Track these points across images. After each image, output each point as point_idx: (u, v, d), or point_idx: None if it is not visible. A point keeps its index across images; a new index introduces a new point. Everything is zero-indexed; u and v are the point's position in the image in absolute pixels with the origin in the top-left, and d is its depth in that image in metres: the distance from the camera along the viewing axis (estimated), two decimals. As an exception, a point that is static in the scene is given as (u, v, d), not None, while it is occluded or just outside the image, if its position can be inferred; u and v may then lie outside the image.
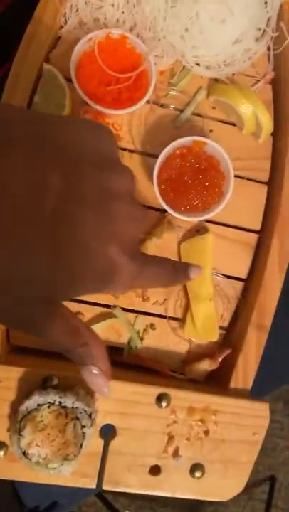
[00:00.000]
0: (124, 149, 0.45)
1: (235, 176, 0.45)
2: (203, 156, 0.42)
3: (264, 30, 0.45)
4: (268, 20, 0.45)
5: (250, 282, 0.45)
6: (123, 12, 0.43)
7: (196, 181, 0.42)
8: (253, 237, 0.46)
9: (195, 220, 0.43)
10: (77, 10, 0.43)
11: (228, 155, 0.42)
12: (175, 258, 0.45)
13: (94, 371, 0.25)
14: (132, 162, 0.45)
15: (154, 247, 0.43)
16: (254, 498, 1.20)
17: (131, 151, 0.45)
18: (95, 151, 0.24)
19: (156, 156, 0.42)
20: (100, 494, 0.97)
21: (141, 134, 0.45)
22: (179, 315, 0.44)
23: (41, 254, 0.22)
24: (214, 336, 0.43)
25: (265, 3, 0.44)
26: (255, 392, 0.42)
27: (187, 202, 0.42)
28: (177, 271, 0.30)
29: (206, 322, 0.43)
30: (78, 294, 0.24)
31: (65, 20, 0.44)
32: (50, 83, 0.42)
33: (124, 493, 1.12)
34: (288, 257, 0.44)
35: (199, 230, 0.45)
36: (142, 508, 1.13)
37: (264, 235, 0.46)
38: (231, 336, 0.45)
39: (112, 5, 0.42)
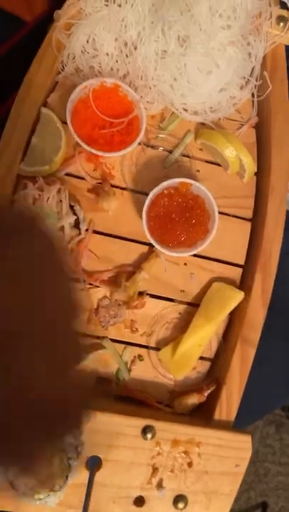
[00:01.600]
0: (116, 187, 0.47)
1: (221, 213, 0.47)
2: (189, 196, 0.45)
3: (248, 79, 0.48)
4: (252, 70, 0.48)
5: (235, 315, 0.47)
6: (117, 61, 0.46)
7: (182, 219, 0.44)
8: (237, 271, 0.48)
9: (181, 255, 0.45)
10: (73, 58, 0.46)
11: (213, 194, 0.44)
12: (165, 290, 0.47)
13: None
14: (123, 199, 0.47)
15: (143, 279, 0.45)
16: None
17: (122, 189, 0.47)
18: None
19: (146, 194, 0.45)
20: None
21: (132, 173, 0.48)
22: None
23: None
24: (179, 375, 0.45)
25: (249, 54, 0.47)
26: (241, 419, 0.44)
27: (174, 238, 0.44)
28: None
29: (183, 359, 0.44)
30: None
31: (63, 66, 0.47)
32: (47, 126, 0.44)
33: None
34: (270, 292, 0.47)
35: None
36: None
37: (247, 269, 0.48)
38: (217, 367, 0.47)
39: (107, 54, 0.46)
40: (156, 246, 0.44)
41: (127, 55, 0.45)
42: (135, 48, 0.45)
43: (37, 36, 0.47)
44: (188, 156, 0.49)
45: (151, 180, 0.47)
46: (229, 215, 0.49)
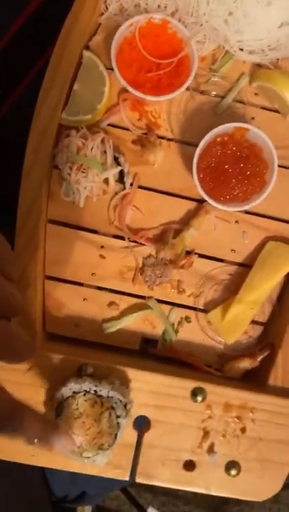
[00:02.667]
0: (163, 137, 0.44)
1: (279, 166, 0.43)
2: (245, 144, 0.41)
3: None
4: None
5: (291, 277, 0.43)
6: (165, -4, 0.42)
7: (236, 170, 0.40)
8: (295, 230, 0.44)
9: (234, 209, 0.42)
10: (118, -4, 0.42)
11: (272, 142, 0.40)
12: (214, 250, 0.43)
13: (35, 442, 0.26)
14: (170, 150, 0.44)
15: (191, 237, 0.42)
16: (280, 501, 1.17)
17: (169, 140, 0.44)
18: None
19: (195, 145, 0.41)
20: (124, 488, 0.97)
21: (180, 121, 0.44)
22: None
23: None
24: (231, 338, 0.42)
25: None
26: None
27: (227, 191, 0.41)
28: None
29: (234, 322, 0.41)
30: None
31: (106, 6, 0.43)
32: (90, 70, 0.41)
33: (147, 489, 1.11)
34: None
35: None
36: (164, 504, 1.13)
37: (307, 227, 0.44)
38: (270, 332, 0.44)
39: (154, -13, 0.41)
40: (208, 200, 0.40)
41: (176, -11, 0.41)
42: (186, -20, 0.40)
43: None
44: (242, 102, 0.44)
45: (201, 130, 0.43)
46: (287, 167, 0.44)
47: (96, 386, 0.35)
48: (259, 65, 0.44)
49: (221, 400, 0.38)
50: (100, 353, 0.41)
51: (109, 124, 0.43)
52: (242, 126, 0.40)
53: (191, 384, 0.38)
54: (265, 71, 0.43)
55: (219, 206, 0.41)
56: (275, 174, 0.40)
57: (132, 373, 0.38)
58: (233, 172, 0.40)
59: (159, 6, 0.42)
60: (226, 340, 0.42)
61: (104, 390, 0.35)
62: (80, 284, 0.43)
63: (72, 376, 0.37)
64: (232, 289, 0.44)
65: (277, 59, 0.44)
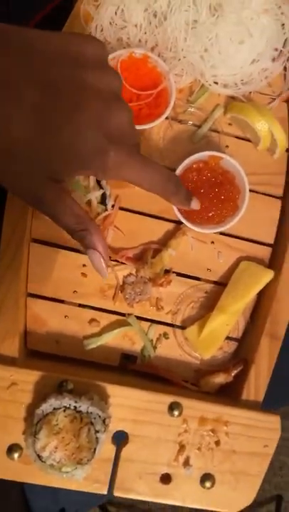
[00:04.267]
0: (143, 162, 0.46)
1: (250, 190, 0.46)
2: (219, 171, 0.43)
3: (281, 51, 0.46)
4: (285, 41, 0.46)
5: (265, 293, 0.46)
6: (145, 32, 0.45)
7: (211, 194, 0.43)
8: (267, 250, 0.47)
9: (209, 231, 0.44)
10: (101, 30, 0.45)
11: (244, 170, 0.43)
12: (191, 269, 0.46)
13: (96, 253, 0.31)
14: (150, 175, 0.46)
15: (169, 257, 0.44)
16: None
17: (149, 164, 0.46)
18: (79, 53, 0.28)
19: (174, 170, 0.43)
20: (104, 506, 0.96)
21: (159, 148, 0.47)
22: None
23: (35, 137, 0.27)
24: (206, 354, 0.44)
25: (283, 25, 0.45)
26: (265, 408, 0.43)
27: (202, 214, 0.43)
28: (177, 188, 0.36)
29: (210, 339, 0.43)
30: (72, 173, 0.30)
31: (90, 39, 0.46)
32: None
33: (126, 506, 1.10)
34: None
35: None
36: (144, 521, 1.12)
37: (277, 248, 0.47)
38: (244, 347, 0.46)
39: (135, 25, 0.44)
40: (184, 222, 0.43)
41: (156, 26, 0.44)
42: (165, 19, 0.43)
43: (66, 7, 0.46)
44: (217, 131, 0.47)
45: (178, 156, 0.45)
46: (259, 192, 0.47)
47: (76, 402, 0.36)
48: (233, 97, 0.47)
49: (197, 414, 0.40)
50: (80, 369, 0.42)
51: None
52: (216, 155, 0.42)
53: (168, 399, 0.40)
54: (237, 103, 0.46)
55: (195, 228, 0.43)
56: (247, 199, 0.43)
57: (111, 389, 0.39)
58: (207, 196, 0.43)
59: (140, 41, 0.45)
60: (202, 356, 0.44)
61: (83, 406, 0.36)
62: (62, 302, 0.45)
63: (52, 392, 0.38)
64: (208, 306, 0.46)
65: (250, 92, 0.47)
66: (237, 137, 0.48)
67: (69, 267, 0.44)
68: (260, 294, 0.46)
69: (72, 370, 0.41)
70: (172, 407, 0.39)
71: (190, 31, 0.43)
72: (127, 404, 0.39)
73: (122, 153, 0.29)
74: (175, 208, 0.43)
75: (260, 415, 0.40)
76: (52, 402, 0.36)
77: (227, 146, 0.47)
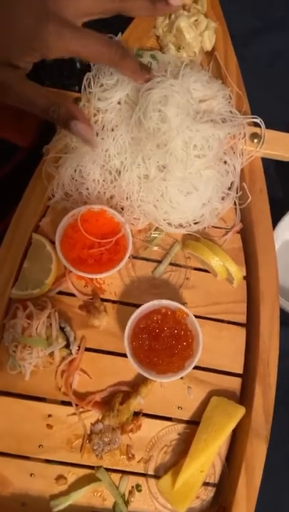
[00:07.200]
0: (108, 300, 0.48)
1: (215, 320, 0.47)
2: (182, 326, 0.44)
3: (228, 191, 0.51)
4: (231, 184, 0.51)
5: (238, 429, 0.44)
6: (103, 185, 0.49)
7: (169, 343, 0.43)
8: (237, 382, 0.46)
9: (171, 379, 0.43)
10: (63, 185, 0.49)
11: (204, 301, 0.45)
12: (161, 408, 0.44)
13: (77, 122, 0.33)
14: (115, 312, 0.47)
15: (138, 405, 0.43)
16: None
17: (114, 302, 0.48)
18: None
19: (138, 305, 0.44)
20: None
21: (122, 285, 0.48)
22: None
23: None
24: (181, 508, 0.41)
25: (227, 171, 0.50)
26: None
27: (162, 362, 0.43)
28: (123, 52, 0.37)
29: (184, 489, 0.41)
30: (23, 55, 0.33)
31: (53, 193, 0.50)
32: (39, 250, 0.47)
33: None
34: (272, 404, 0.44)
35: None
36: None
37: (247, 379, 0.46)
38: (222, 493, 0.43)
39: (94, 180, 0.49)
40: (142, 372, 0.42)
41: (112, 181, 0.49)
42: (119, 174, 0.48)
43: (30, 159, 0.52)
44: (177, 265, 0.50)
45: (142, 291, 0.47)
46: (223, 321, 0.48)
47: None
48: (189, 234, 0.51)
49: None
50: None
51: (57, 292, 0.47)
52: (184, 311, 0.44)
53: None
54: (192, 242, 0.49)
55: (156, 379, 0.42)
56: (200, 349, 0.43)
57: None
58: (166, 343, 0.43)
59: (98, 192, 0.50)
60: (177, 510, 0.41)
61: None
62: (27, 458, 0.42)
63: None
64: (181, 449, 0.44)
65: (204, 227, 0.51)
66: (196, 269, 0.50)
67: (34, 419, 0.43)
68: (234, 431, 0.44)
69: None
70: None
71: (142, 184, 0.48)
72: None
73: (63, 30, 0.32)
74: (134, 364, 0.42)
75: None
76: None
77: (188, 278, 0.50)
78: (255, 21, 0.69)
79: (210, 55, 0.55)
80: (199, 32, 0.51)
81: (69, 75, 0.53)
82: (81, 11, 0.34)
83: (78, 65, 0.53)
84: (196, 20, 0.51)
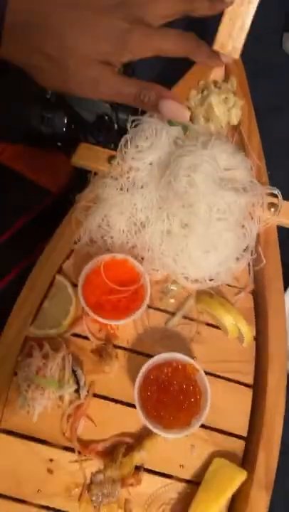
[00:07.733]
0: (120, 347, 0.49)
1: (222, 377, 0.48)
2: (191, 382, 0.44)
3: (244, 253, 0.54)
4: (247, 247, 0.54)
5: (238, 493, 0.43)
6: (127, 235, 0.52)
7: (177, 398, 0.43)
8: (240, 444, 0.46)
9: (177, 436, 0.43)
10: (89, 232, 0.52)
11: (212, 357, 0.46)
12: (163, 465, 0.44)
13: (168, 100, 0.35)
14: (126, 360, 0.48)
15: (140, 459, 0.43)
16: None
17: (125, 349, 0.49)
18: None
19: (150, 356, 0.45)
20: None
21: (135, 334, 0.50)
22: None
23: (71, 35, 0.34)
24: None
25: (244, 234, 0.53)
26: None
27: (169, 416, 0.43)
28: (198, 42, 0.40)
29: None
30: (125, 53, 0.36)
31: (79, 238, 0.53)
32: (60, 292, 0.49)
33: None
34: (273, 471, 0.44)
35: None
36: None
37: (250, 442, 0.46)
38: None
39: (119, 230, 0.52)
40: (148, 425, 0.42)
41: (136, 232, 0.52)
42: (144, 227, 0.51)
43: (60, 203, 0.55)
44: (189, 318, 0.51)
45: (153, 342, 0.49)
46: (230, 379, 0.49)
47: None
48: (203, 290, 0.53)
49: None
50: None
51: (71, 334, 0.49)
52: (196, 367, 0.45)
53: None
54: (206, 298, 0.51)
55: (163, 434, 0.42)
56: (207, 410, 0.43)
57: None
58: (173, 397, 0.43)
59: (122, 242, 0.53)
60: None
61: None
62: (23, 502, 0.42)
63: None
64: (180, 508, 0.43)
65: (218, 285, 0.53)
66: (208, 324, 0.52)
67: (35, 462, 0.43)
68: (234, 495, 0.43)
69: None
70: None
71: (165, 238, 0.51)
72: None
73: (145, 28, 0.36)
74: (142, 416, 0.42)
75: None
76: None
77: (198, 333, 0.51)
78: (277, 99, 0.76)
79: (235, 128, 0.60)
80: (228, 108, 0.57)
81: (106, 134, 0.58)
82: (159, 15, 0.38)
83: (116, 126, 0.58)
84: (226, 98, 0.57)
